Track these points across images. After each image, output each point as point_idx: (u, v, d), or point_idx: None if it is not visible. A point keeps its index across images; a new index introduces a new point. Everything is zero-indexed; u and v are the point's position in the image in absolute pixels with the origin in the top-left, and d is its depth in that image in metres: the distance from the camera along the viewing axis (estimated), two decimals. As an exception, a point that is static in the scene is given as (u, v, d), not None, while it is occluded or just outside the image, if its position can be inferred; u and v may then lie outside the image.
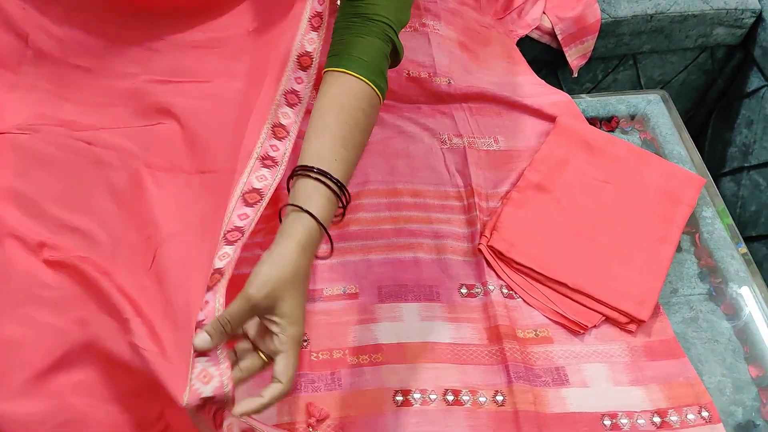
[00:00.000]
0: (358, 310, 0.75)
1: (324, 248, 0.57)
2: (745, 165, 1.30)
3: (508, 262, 0.79)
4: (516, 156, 0.90)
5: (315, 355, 0.72)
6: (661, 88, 1.36)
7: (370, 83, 0.59)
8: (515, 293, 0.77)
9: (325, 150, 0.56)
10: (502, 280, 0.78)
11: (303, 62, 0.65)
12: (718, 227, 0.84)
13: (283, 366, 0.50)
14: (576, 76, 1.19)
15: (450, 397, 0.69)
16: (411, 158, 0.89)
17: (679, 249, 0.82)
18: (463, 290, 0.78)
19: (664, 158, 0.90)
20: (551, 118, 0.92)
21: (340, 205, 0.57)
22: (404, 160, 0.88)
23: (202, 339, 0.49)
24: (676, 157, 0.91)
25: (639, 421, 0.68)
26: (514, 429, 0.67)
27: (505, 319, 0.74)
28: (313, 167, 0.55)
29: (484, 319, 0.75)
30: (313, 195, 0.54)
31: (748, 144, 1.30)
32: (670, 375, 0.71)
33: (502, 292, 0.77)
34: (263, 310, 0.50)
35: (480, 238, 0.81)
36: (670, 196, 0.83)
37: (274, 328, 0.50)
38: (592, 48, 1.16)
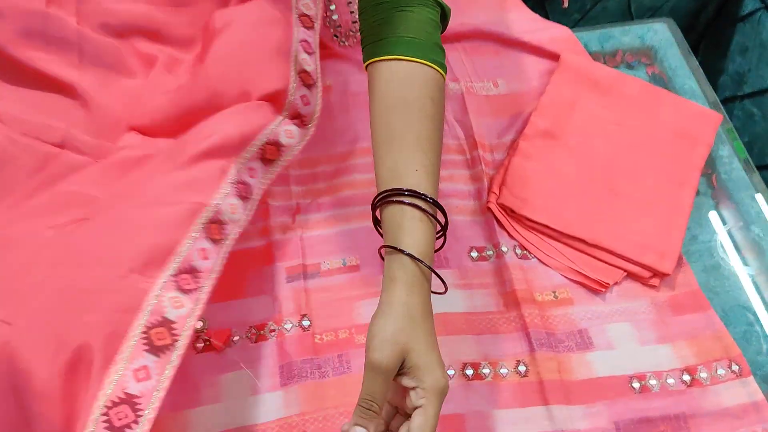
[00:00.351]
0: (361, 284, 0.69)
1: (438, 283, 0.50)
2: (738, 94, 1.24)
3: (520, 219, 0.73)
4: (519, 100, 0.83)
5: (319, 337, 0.66)
6: (650, 16, 1.28)
7: (430, 64, 0.49)
8: (530, 253, 0.72)
9: (401, 163, 0.48)
10: (515, 239, 0.72)
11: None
12: (736, 167, 0.79)
13: (420, 421, 0.44)
14: (566, 6, 1.11)
15: (469, 371, 0.64)
16: (404, 109, 0.80)
17: (696, 193, 0.77)
18: (474, 254, 0.72)
19: (676, 94, 0.83)
20: (553, 56, 0.84)
21: (439, 224, 0.50)
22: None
23: None
24: (688, 92, 0.85)
25: (668, 380, 0.64)
26: (540, 400, 0.63)
27: (521, 283, 0.69)
28: (392, 190, 0.48)
29: (498, 283, 0.70)
30: (404, 223, 0.47)
31: (742, 72, 1.23)
32: (696, 329, 0.67)
33: (516, 252, 0.71)
34: (396, 370, 0.44)
35: (488, 195, 0.74)
36: (686, 136, 0.78)
37: (409, 383, 0.45)
38: (584, -26, 1.07)
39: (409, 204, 0.47)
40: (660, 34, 0.91)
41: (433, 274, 0.49)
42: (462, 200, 0.75)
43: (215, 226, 0.54)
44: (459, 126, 0.80)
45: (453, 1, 0.87)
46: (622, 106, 0.80)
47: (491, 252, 0.72)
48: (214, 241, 0.54)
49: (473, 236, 0.73)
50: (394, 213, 0.48)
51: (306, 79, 0.66)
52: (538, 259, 0.71)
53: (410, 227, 0.47)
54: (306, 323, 0.66)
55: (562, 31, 0.88)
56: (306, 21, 0.67)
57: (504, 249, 0.71)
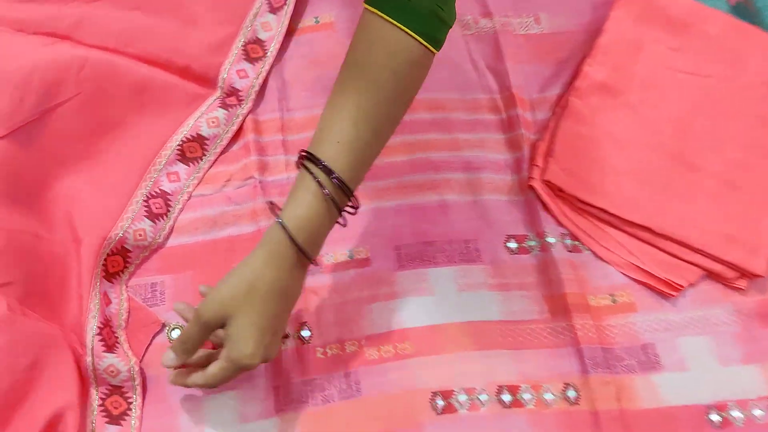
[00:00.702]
0: (372, 282, 0.56)
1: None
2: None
3: (571, 201, 0.58)
4: (567, 40, 0.67)
5: (321, 350, 0.53)
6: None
7: (412, 34, 0.43)
8: (583, 245, 0.57)
9: (326, 128, 0.45)
10: (564, 227, 0.58)
11: None
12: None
13: (211, 371, 0.46)
14: None
15: (506, 397, 0.52)
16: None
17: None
18: (512, 244, 0.57)
19: (766, 30, 0.66)
20: (612, -17, 0.66)
21: (348, 205, 0.46)
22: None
23: (168, 357, 0.47)
24: (782, 31, 0.67)
25: (755, 411, 0.52)
26: (594, 435, 0.51)
27: (572, 284, 0.55)
28: (306, 153, 0.45)
29: (542, 284, 0.56)
30: (297, 192, 0.45)
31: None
32: (791, 344, 0.54)
33: (564, 244, 0.57)
34: (218, 327, 0.46)
35: (529, 168, 0.59)
36: (783, 91, 0.61)
37: (222, 342, 0.47)
38: None
39: (310, 173, 0.44)
40: (746, -47, 0.71)
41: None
42: (496, 174, 0.60)
43: (118, 258, 0.55)
44: (491, 75, 0.64)
45: None
46: (700, 49, 0.63)
47: (534, 243, 0.57)
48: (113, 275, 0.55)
49: (511, 222, 0.58)
50: (299, 176, 0.45)
51: (253, 52, 0.63)
52: (593, 252, 0.57)
53: (300, 198, 0.45)
54: (305, 333, 0.53)
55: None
56: None
57: (550, 239, 0.57)
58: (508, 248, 0.57)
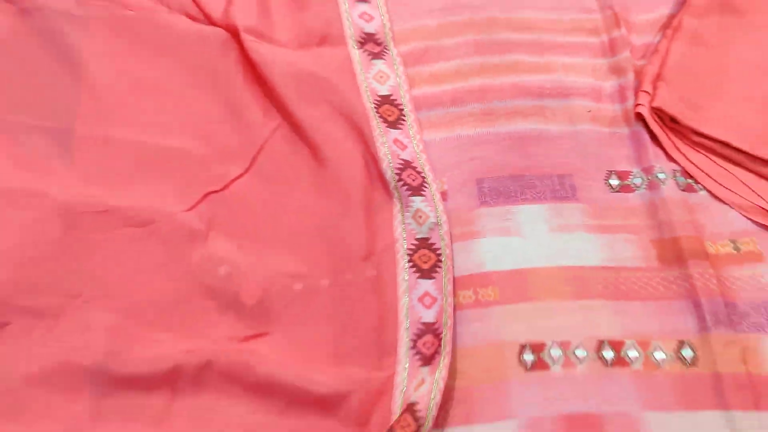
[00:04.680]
0: (451, 221, 0.49)
1: None
2: None
3: (686, 133, 0.51)
4: None
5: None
6: None
7: None
8: (699, 184, 0.50)
9: None
10: (677, 163, 0.50)
11: None
12: None
13: None
14: None
15: (608, 354, 0.45)
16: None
17: None
18: (614, 180, 0.50)
19: None
20: None
21: None
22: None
23: None
24: None
25: None
26: (715, 401, 0.43)
27: (687, 226, 0.47)
28: None
29: (651, 227, 0.49)
30: None
31: None
32: None
33: (677, 181, 0.50)
34: None
35: (636, 95, 0.52)
36: None
37: None
38: None
39: None
40: None
41: None
42: (597, 102, 0.54)
43: None
44: None
45: None
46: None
47: (640, 180, 0.50)
48: None
49: (614, 156, 0.51)
50: None
51: None
52: (710, 193, 0.50)
53: None
54: None
55: None
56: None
57: (660, 176, 0.50)
58: (610, 185, 0.50)
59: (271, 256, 0.47)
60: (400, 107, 0.52)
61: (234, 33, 0.52)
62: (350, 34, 0.55)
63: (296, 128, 0.50)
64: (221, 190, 0.49)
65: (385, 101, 0.52)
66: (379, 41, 0.55)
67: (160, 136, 0.50)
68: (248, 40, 0.51)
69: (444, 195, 0.50)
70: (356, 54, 0.54)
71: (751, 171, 0.49)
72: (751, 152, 0.49)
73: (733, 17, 0.53)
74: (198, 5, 0.54)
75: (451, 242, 0.47)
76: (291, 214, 0.48)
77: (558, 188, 0.50)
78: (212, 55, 0.52)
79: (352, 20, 0.56)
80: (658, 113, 0.51)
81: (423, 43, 0.56)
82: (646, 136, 0.51)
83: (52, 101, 0.51)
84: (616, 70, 0.54)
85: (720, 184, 0.49)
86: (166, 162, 0.49)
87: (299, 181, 0.49)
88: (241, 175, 0.49)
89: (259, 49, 0.51)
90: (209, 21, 0.54)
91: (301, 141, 0.50)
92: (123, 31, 0.53)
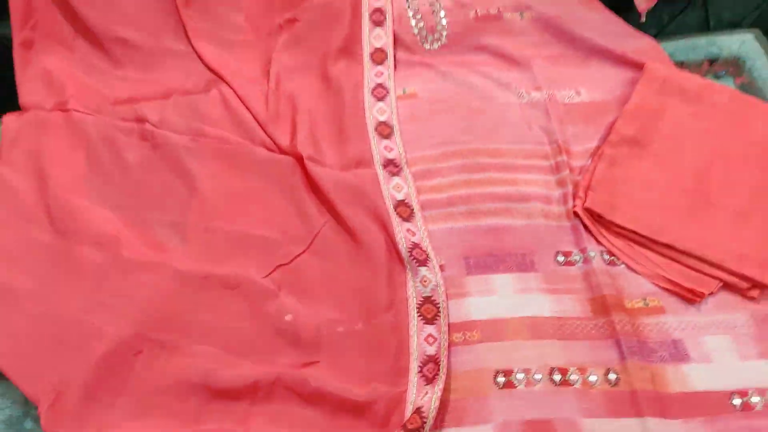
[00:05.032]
0: (446, 284, 0.68)
1: None
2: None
3: (608, 225, 0.71)
4: (603, 108, 0.81)
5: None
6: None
7: None
8: (618, 259, 0.70)
9: None
10: (603, 245, 0.70)
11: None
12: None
13: None
14: (643, 20, 1.09)
15: (557, 377, 0.63)
16: (487, 116, 0.81)
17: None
18: (560, 258, 0.70)
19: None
20: (638, 65, 0.83)
21: None
22: (480, 118, 0.80)
23: None
24: (780, 103, 0.82)
25: (773, 398, 0.61)
26: (633, 411, 0.60)
27: (610, 288, 0.67)
28: None
29: (586, 289, 0.68)
30: None
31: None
32: (801, 345, 0.64)
33: (603, 258, 0.70)
34: None
35: (574, 199, 0.73)
36: (782, 146, 0.75)
37: None
38: (660, -12, 1.06)
39: None
40: (748, 45, 0.88)
41: None
42: (547, 204, 0.74)
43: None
44: (543, 132, 0.79)
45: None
46: (711, 115, 0.78)
47: (578, 257, 0.70)
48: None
49: (560, 241, 0.71)
50: None
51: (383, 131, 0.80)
52: (627, 266, 0.69)
53: None
54: None
55: (647, 41, 0.87)
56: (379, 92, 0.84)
57: (591, 254, 0.69)
58: (558, 261, 0.70)
59: (322, 308, 0.67)
60: (411, 208, 0.73)
61: (298, 159, 0.75)
62: (377, 160, 0.76)
63: (340, 221, 0.71)
64: (288, 263, 0.70)
65: (400, 204, 0.73)
66: (396, 164, 0.77)
67: (247, 226, 0.72)
68: (309, 163, 0.74)
69: (442, 267, 0.69)
70: (381, 172, 0.75)
71: (654, 251, 0.69)
72: (651, 237, 0.69)
73: (638, 148, 0.75)
74: (272, 139, 0.78)
75: (447, 299, 0.66)
76: (335, 279, 0.69)
77: (521, 263, 0.69)
78: (284, 173, 0.75)
79: (379, 150, 0.77)
80: (589, 212, 0.71)
81: (427, 165, 0.77)
82: (582, 227, 0.71)
83: (173, 204, 0.74)
84: (560, 183, 0.74)
85: (633, 260, 0.69)
86: (251, 244, 0.71)
87: (341, 256, 0.70)
88: (301, 253, 0.70)
89: (315, 169, 0.74)
90: (280, 150, 0.77)
91: (343, 230, 0.71)
92: (223, 158, 0.76)
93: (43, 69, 0.85)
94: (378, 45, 0.84)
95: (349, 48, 0.83)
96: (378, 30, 0.85)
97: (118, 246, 0.69)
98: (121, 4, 0.87)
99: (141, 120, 0.79)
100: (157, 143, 0.77)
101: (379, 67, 0.83)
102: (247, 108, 0.79)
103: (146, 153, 0.77)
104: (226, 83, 0.81)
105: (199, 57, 0.85)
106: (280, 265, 0.70)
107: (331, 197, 0.72)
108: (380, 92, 0.82)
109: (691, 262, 0.68)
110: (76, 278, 0.68)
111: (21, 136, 0.78)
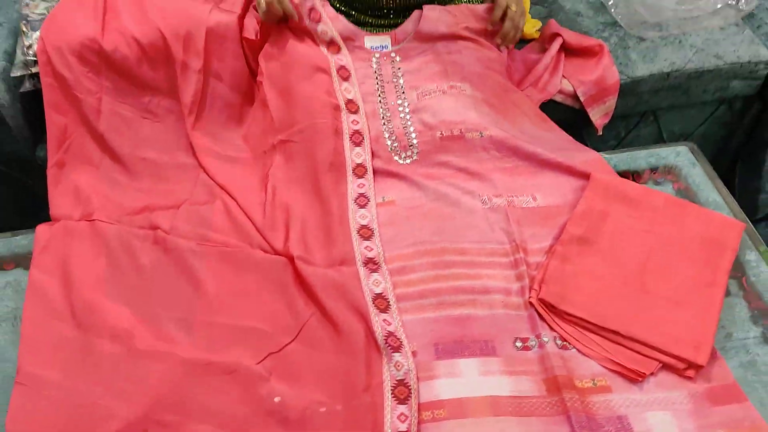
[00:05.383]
0: (418, 368, 0.77)
1: None
2: (777, 211, 1.31)
3: (560, 313, 0.81)
4: (556, 212, 0.93)
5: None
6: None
7: None
8: (570, 344, 0.79)
9: None
10: (555, 332, 0.80)
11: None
12: (764, 270, 0.86)
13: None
14: (601, 134, 1.24)
15: (516, 450, 0.70)
16: (456, 220, 0.92)
17: (727, 293, 0.83)
18: (518, 343, 0.79)
19: (701, 206, 0.92)
20: (585, 175, 0.96)
21: None
22: (449, 221, 0.92)
23: None
24: (713, 204, 0.94)
25: (710, 467, 0.67)
26: (585, 477, 0.67)
27: (562, 370, 0.75)
28: None
29: (541, 371, 0.76)
30: None
31: (778, 190, 1.32)
32: (735, 420, 0.71)
33: (556, 343, 0.79)
34: None
35: (530, 291, 0.83)
36: (713, 242, 0.86)
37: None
38: (613, 107, 1.21)
39: None
40: (682, 156, 1.02)
41: None
42: (507, 296, 0.84)
43: None
44: (503, 233, 0.91)
45: (495, 119, 1.03)
46: (650, 216, 0.89)
47: (534, 342, 0.79)
48: None
49: (518, 328, 0.81)
50: None
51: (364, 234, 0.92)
52: (577, 349, 0.78)
53: None
54: None
55: (593, 155, 1.01)
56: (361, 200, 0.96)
57: (545, 339, 0.79)
58: (516, 346, 0.79)
59: (307, 391, 0.75)
60: (388, 300, 0.82)
61: (290, 259, 0.87)
62: (359, 259, 0.87)
63: (324, 314, 0.81)
64: (278, 351, 0.79)
65: (378, 297, 0.83)
66: (375, 262, 0.87)
67: (244, 319, 0.82)
68: (299, 263, 0.85)
69: (414, 353, 0.78)
70: (362, 270, 0.86)
71: (601, 335, 0.78)
72: (599, 324, 0.79)
73: (586, 245, 0.86)
74: (268, 243, 0.90)
75: (418, 381, 0.75)
76: (319, 365, 0.78)
77: (484, 349, 0.78)
78: (277, 272, 0.86)
79: (360, 251, 0.88)
80: (543, 302, 0.81)
81: (402, 263, 0.87)
82: (537, 316, 0.81)
83: (180, 302, 0.85)
84: (519, 278, 0.85)
85: (583, 344, 0.78)
86: (247, 335, 0.81)
87: (325, 345, 0.79)
88: (290, 342, 0.80)
89: (304, 268, 0.85)
90: (275, 252, 0.89)
91: (327, 322, 0.81)
92: (224, 260, 0.88)
93: (72, 185, 0.99)
94: (358, 161, 0.98)
95: (335, 164, 0.97)
96: (357, 149, 0.99)
97: (132, 338, 0.79)
98: (142, 129, 1.04)
99: (154, 227, 0.92)
100: (167, 248, 0.89)
101: (361, 180, 0.96)
102: (247, 216, 0.92)
103: (158, 256, 0.89)
104: (228, 194, 0.94)
105: (205, 171, 0.99)
106: (271, 353, 0.79)
107: (317, 292, 0.82)
108: (362, 201, 0.94)
109: (634, 345, 0.77)
110: (94, 368, 0.78)
111: (51, 243, 0.90)
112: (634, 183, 0.95)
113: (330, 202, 0.93)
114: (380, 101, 1.06)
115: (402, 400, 0.73)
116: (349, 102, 1.04)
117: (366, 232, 0.91)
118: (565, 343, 0.79)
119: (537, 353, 0.78)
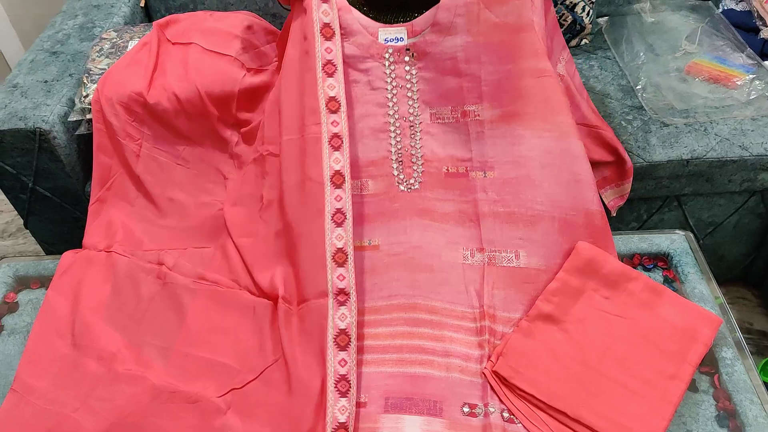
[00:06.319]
0: (363, 419, 0.80)
1: None
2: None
3: (512, 387, 0.81)
4: (534, 276, 0.92)
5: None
6: (713, 230, 1.36)
7: None
8: (516, 419, 0.79)
9: None
10: (504, 404, 0.80)
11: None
12: (738, 369, 0.82)
13: None
14: (614, 215, 1.24)
15: None
16: (433, 273, 0.94)
17: (696, 390, 0.81)
18: (466, 409, 0.81)
19: (684, 296, 0.91)
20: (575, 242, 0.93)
21: None
22: (427, 274, 0.94)
23: None
24: (698, 296, 0.92)
25: None
26: None
27: (503, 443, 0.76)
28: None
29: (484, 439, 0.77)
30: None
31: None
32: None
33: (502, 415, 0.79)
34: None
35: (487, 362, 0.84)
36: (684, 333, 0.84)
37: None
38: (629, 190, 1.20)
39: None
40: (677, 243, 1.00)
41: None
42: (465, 362, 0.86)
43: None
44: (476, 296, 0.92)
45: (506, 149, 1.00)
46: (624, 300, 0.89)
47: (481, 410, 0.80)
48: None
49: (468, 394, 0.82)
50: None
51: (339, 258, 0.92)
52: (523, 425, 0.78)
53: None
54: None
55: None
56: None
57: (491, 410, 0.79)
58: (463, 411, 0.80)
59: (257, 426, 0.80)
60: (349, 336, 0.84)
61: (274, 299, 0.93)
62: (330, 289, 0.87)
63: (287, 358, 0.87)
64: (240, 388, 0.85)
65: (341, 333, 0.84)
66: (346, 292, 0.86)
67: (217, 355, 0.89)
68: (281, 303, 0.91)
69: (364, 404, 0.81)
70: (331, 301, 0.86)
71: (548, 414, 0.78)
72: (549, 404, 0.78)
73: (552, 323, 0.86)
74: (256, 284, 0.97)
75: (356, 429, 0.78)
76: (273, 404, 0.83)
77: (431, 408, 0.80)
78: (258, 314, 0.92)
79: (333, 281, 0.87)
80: (496, 374, 0.83)
81: (374, 316, 0.90)
82: (488, 386, 0.82)
83: (164, 331, 0.93)
84: (480, 346, 0.86)
85: (530, 421, 0.78)
86: (216, 369, 0.87)
87: (282, 386, 0.84)
88: (252, 380, 0.85)
89: (285, 309, 0.90)
90: (260, 292, 0.95)
91: (289, 367, 0.86)
92: (213, 298, 0.96)
93: (107, 219, 1.12)
94: (337, 167, 0.95)
95: (321, 210, 0.96)
96: (338, 190, 0.95)
97: (114, 361, 0.88)
98: (174, 174, 1.15)
99: (160, 263, 1.02)
100: (166, 282, 0.99)
101: (338, 191, 0.94)
102: (241, 257, 1.00)
103: (157, 289, 0.99)
104: (230, 234, 1.03)
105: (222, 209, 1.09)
106: (234, 389, 0.85)
107: (285, 333, 0.88)
108: (339, 218, 0.92)
109: (579, 428, 0.76)
110: (76, 383, 0.87)
111: (71, 269, 1.02)
112: (616, 261, 0.94)
113: (307, 223, 0.93)
114: (392, 113, 1.02)
115: None
116: (331, 100, 0.98)
117: (341, 257, 0.90)
118: (511, 416, 0.79)
119: (481, 421, 0.79)
